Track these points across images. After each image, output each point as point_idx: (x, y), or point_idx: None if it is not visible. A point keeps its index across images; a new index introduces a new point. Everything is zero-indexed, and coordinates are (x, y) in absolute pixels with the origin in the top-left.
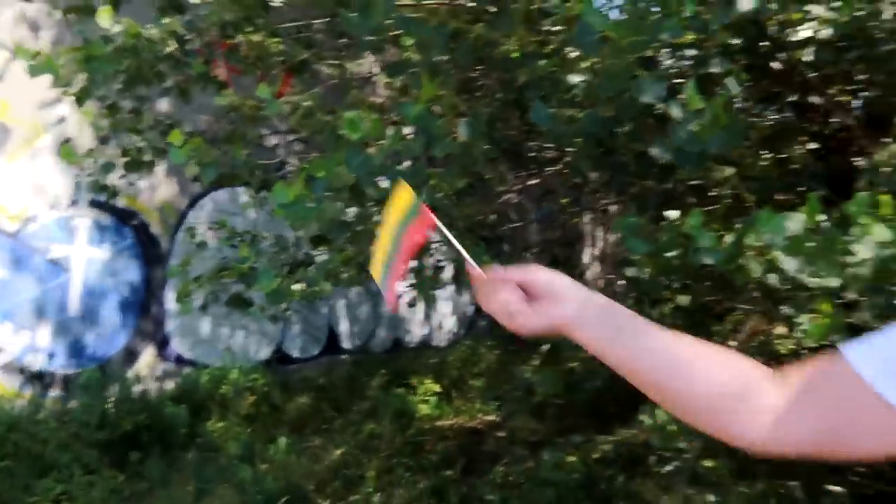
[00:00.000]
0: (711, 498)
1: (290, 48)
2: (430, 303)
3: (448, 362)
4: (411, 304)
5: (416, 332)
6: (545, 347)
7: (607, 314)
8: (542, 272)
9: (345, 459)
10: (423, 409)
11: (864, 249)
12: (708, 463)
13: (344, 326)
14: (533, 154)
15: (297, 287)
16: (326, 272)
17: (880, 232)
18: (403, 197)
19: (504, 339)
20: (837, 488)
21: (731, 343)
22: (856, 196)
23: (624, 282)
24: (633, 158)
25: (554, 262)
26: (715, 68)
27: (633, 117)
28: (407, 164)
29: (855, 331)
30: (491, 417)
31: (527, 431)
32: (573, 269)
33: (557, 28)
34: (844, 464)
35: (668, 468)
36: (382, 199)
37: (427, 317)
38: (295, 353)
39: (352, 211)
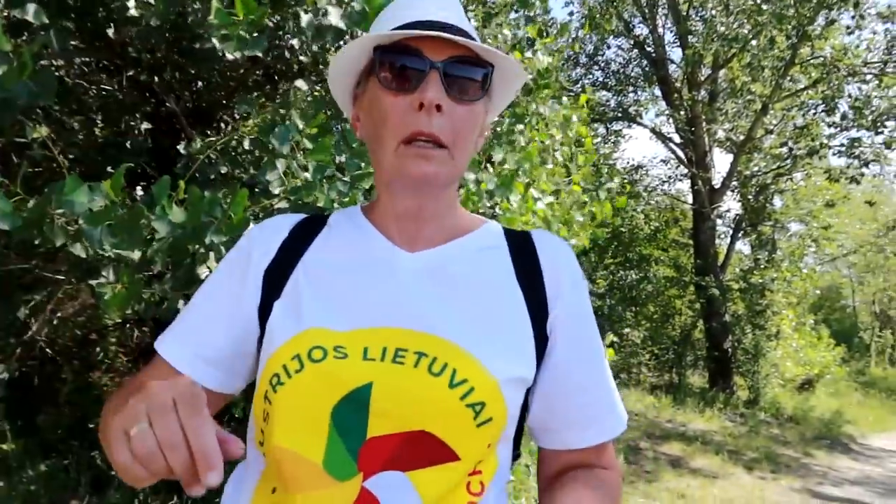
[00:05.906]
0: None
1: None
2: None
3: None
4: None
5: None
6: None
7: None
8: None
9: None
10: None
11: (163, 227)
12: None
13: None
14: None
15: None
16: None
17: (177, 213)
18: None
19: None
20: None
21: (46, 317)
22: (160, 179)
23: None
24: None
25: None
26: (32, 18)
27: None
28: None
29: (161, 302)
30: None
31: None
32: None
33: None
34: None
35: None
36: None
37: None
38: None
39: None
